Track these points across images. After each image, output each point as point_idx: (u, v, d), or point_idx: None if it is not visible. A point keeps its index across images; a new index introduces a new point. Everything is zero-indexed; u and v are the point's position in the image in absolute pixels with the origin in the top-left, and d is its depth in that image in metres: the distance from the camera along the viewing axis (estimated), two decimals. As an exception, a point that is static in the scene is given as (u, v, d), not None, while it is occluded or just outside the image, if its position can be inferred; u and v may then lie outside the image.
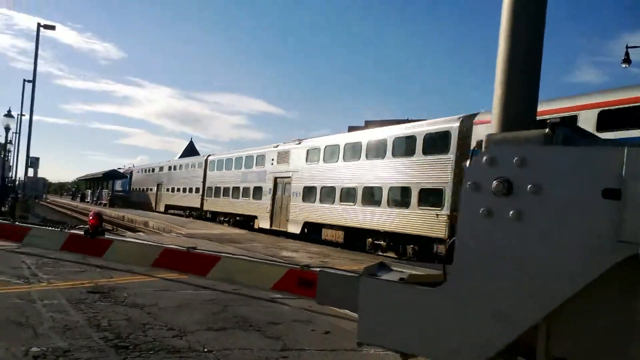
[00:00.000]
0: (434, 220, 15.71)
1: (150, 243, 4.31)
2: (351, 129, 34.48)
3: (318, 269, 2.92)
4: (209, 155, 36.47)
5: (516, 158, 2.06)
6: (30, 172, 32.87)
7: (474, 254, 2.16)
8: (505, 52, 2.61)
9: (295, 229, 23.27)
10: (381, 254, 17.67)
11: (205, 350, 5.20)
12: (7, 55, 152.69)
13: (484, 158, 2.14)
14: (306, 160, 23.30)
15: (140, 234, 24.25)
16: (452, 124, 15.91)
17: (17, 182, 37.29)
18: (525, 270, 2.03)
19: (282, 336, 5.95)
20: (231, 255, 3.53)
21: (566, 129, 2.17)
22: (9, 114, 30.23)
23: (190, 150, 77.31)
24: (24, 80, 34.86)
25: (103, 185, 60.23)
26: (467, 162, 2.24)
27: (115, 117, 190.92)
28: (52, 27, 30.66)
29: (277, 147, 26.32)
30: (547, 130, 2.14)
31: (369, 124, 39.83)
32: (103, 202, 54.17)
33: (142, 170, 54.47)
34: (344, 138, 21.65)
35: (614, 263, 1.88)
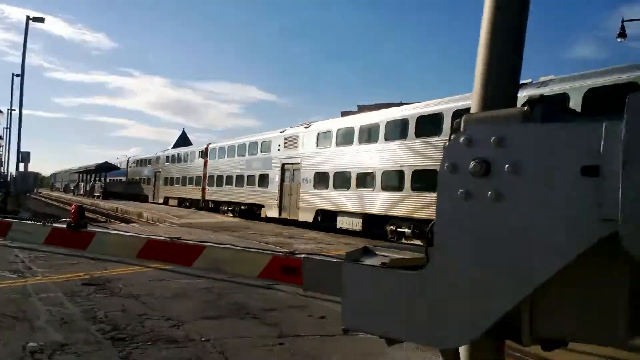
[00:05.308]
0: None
1: (133, 234, 4.26)
2: (344, 114, 34.14)
3: (302, 256, 2.90)
4: (210, 144, 35.15)
5: (493, 137, 2.04)
6: (21, 166, 32.58)
7: (454, 235, 2.16)
8: (487, 27, 2.54)
9: (307, 217, 22.29)
10: (405, 242, 16.66)
11: (203, 339, 5.24)
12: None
13: (462, 138, 2.13)
14: (317, 145, 22.18)
15: (134, 225, 24.24)
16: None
17: (8, 177, 37.02)
18: (506, 250, 2.04)
19: (279, 322, 6.00)
20: (215, 245, 3.51)
21: (546, 106, 2.14)
22: (-3, 109, 29.96)
23: (183, 141, 76.77)
24: (13, 75, 34.67)
25: (96, 177, 59.95)
26: (446, 143, 2.23)
27: (109, 109, 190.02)
28: (42, 20, 30.62)
29: (283, 132, 25.07)
30: (525, 107, 2.12)
31: (362, 109, 39.56)
32: (96, 194, 53.95)
33: (137, 161, 53.73)
34: (359, 119, 20.47)
35: (595, 241, 1.89)
